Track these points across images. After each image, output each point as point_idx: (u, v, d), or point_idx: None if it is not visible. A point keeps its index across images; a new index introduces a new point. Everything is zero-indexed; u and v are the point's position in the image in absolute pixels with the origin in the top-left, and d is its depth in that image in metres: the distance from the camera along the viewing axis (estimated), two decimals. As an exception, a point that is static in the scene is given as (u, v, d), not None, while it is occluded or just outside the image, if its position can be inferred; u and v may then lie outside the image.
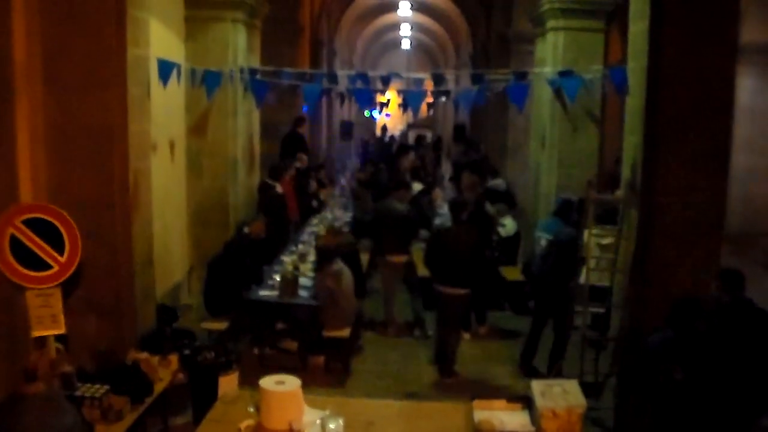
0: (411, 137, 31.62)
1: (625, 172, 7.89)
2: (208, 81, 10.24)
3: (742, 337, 5.80)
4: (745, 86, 14.73)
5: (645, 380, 6.01)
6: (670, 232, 6.78)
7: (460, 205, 9.32)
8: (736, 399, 5.67)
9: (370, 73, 13.28)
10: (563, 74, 10.49)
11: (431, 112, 35.90)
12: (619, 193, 8.10)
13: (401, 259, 10.33)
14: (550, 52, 11.40)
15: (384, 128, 29.60)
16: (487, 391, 8.11)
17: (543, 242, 9.08)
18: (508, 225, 11.77)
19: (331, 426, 4.59)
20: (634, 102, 7.68)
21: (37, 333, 5.85)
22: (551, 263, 8.51)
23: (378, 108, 17.29)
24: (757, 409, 5.85)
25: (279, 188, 11.97)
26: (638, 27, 7.51)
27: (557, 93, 10.87)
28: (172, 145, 10.36)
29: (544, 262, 8.70)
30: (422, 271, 10.70)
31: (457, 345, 9.15)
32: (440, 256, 8.95)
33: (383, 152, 22.91)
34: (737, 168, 13.62)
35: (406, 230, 10.38)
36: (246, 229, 9.75)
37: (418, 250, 10.92)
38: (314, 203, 13.85)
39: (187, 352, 7.04)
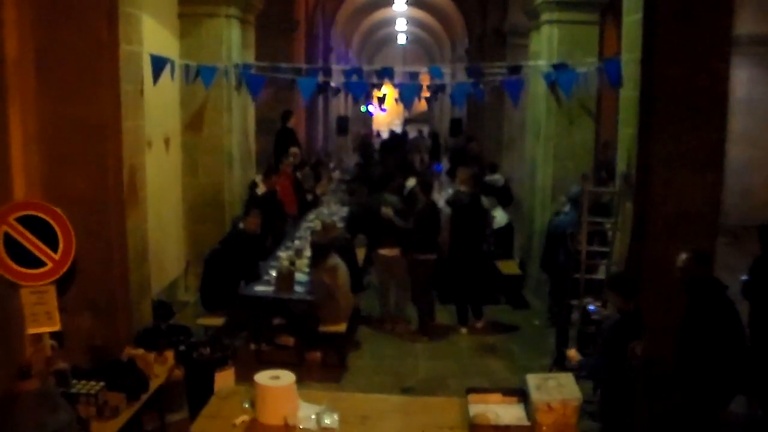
0: (410, 133, 31.65)
1: (620, 165, 7.87)
2: (203, 75, 10.24)
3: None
4: (741, 78, 14.71)
5: (608, 362, 6.10)
6: (666, 224, 6.77)
7: (428, 185, 10.93)
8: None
9: (366, 68, 13.28)
10: (558, 67, 10.47)
11: (429, 106, 35.87)
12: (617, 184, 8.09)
13: (394, 252, 10.31)
14: (545, 46, 11.37)
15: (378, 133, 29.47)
16: (483, 384, 8.12)
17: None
18: (498, 217, 11.80)
19: (327, 421, 4.61)
20: (629, 94, 7.66)
21: (32, 330, 5.83)
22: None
23: (375, 103, 17.30)
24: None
25: (261, 188, 11.89)
26: (632, 19, 7.49)
27: (552, 87, 10.84)
28: (167, 142, 10.34)
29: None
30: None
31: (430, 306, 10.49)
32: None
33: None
34: (734, 160, 13.60)
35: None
36: (241, 225, 9.74)
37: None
38: (309, 197, 13.86)
39: (183, 348, 7.05)
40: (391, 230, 10.22)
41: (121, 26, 6.89)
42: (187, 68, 10.28)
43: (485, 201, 10.99)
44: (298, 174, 13.83)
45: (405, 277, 10.38)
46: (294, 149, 13.73)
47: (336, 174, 18.08)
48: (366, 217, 10.78)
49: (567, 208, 9.53)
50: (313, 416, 4.65)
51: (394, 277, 10.44)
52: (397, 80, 12.53)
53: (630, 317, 6.13)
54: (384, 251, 10.29)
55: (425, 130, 36.82)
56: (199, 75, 10.30)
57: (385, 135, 33.09)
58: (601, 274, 8.31)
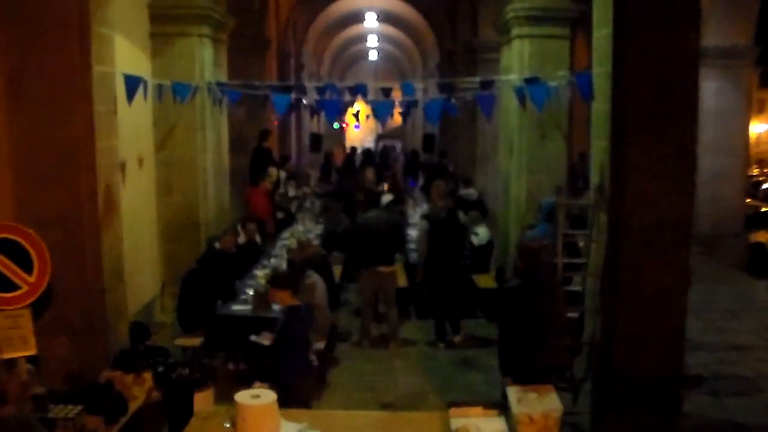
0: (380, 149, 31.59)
1: (594, 177, 7.94)
2: (178, 91, 10.19)
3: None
4: (710, 89, 14.93)
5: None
6: (639, 234, 6.81)
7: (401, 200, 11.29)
8: None
9: (339, 85, 13.30)
10: (529, 81, 10.55)
11: (403, 122, 35.72)
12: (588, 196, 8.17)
13: (390, 269, 10.31)
14: (516, 60, 11.46)
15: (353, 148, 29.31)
16: (463, 398, 8.11)
17: None
18: (481, 233, 11.80)
19: (308, 438, 4.59)
20: (600, 107, 7.74)
21: (6, 355, 5.78)
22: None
23: (348, 120, 17.35)
24: None
25: (241, 238, 11.46)
26: (602, 33, 7.59)
27: (523, 101, 10.92)
28: (140, 162, 10.29)
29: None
30: (401, 281, 10.74)
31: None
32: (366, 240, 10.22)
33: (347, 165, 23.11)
34: (704, 170, 13.80)
35: (395, 240, 10.44)
36: (217, 245, 9.70)
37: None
38: (279, 215, 13.93)
39: (161, 369, 7.00)
40: (388, 247, 10.27)
41: (94, 47, 6.88)
42: (160, 88, 10.24)
43: (464, 217, 11.01)
44: (276, 195, 13.96)
45: (393, 295, 10.37)
46: (272, 169, 13.82)
47: (307, 189, 18.10)
48: (354, 233, 10.69)
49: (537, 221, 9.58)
50: (295, 434, 4.63)
51: (384, 294, 10.40)
52: (369, 97, 12.54)
53: (298, 312, 6.71)
54: (382, 268, 10.22)
55: (372, 146, 36.13)
56: (174, 93, 10.21)
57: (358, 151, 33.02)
58: (576, 285, 8.36)
